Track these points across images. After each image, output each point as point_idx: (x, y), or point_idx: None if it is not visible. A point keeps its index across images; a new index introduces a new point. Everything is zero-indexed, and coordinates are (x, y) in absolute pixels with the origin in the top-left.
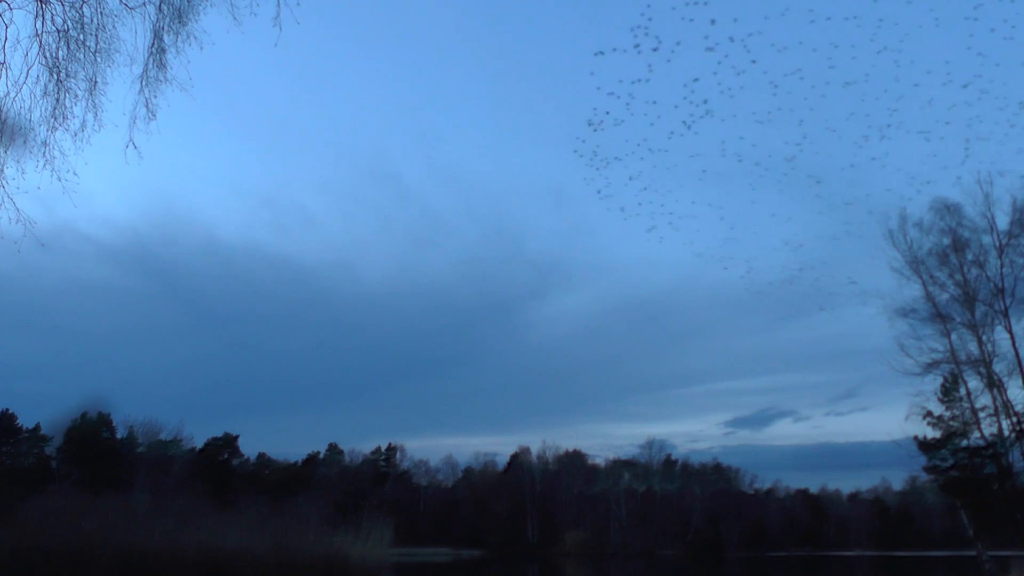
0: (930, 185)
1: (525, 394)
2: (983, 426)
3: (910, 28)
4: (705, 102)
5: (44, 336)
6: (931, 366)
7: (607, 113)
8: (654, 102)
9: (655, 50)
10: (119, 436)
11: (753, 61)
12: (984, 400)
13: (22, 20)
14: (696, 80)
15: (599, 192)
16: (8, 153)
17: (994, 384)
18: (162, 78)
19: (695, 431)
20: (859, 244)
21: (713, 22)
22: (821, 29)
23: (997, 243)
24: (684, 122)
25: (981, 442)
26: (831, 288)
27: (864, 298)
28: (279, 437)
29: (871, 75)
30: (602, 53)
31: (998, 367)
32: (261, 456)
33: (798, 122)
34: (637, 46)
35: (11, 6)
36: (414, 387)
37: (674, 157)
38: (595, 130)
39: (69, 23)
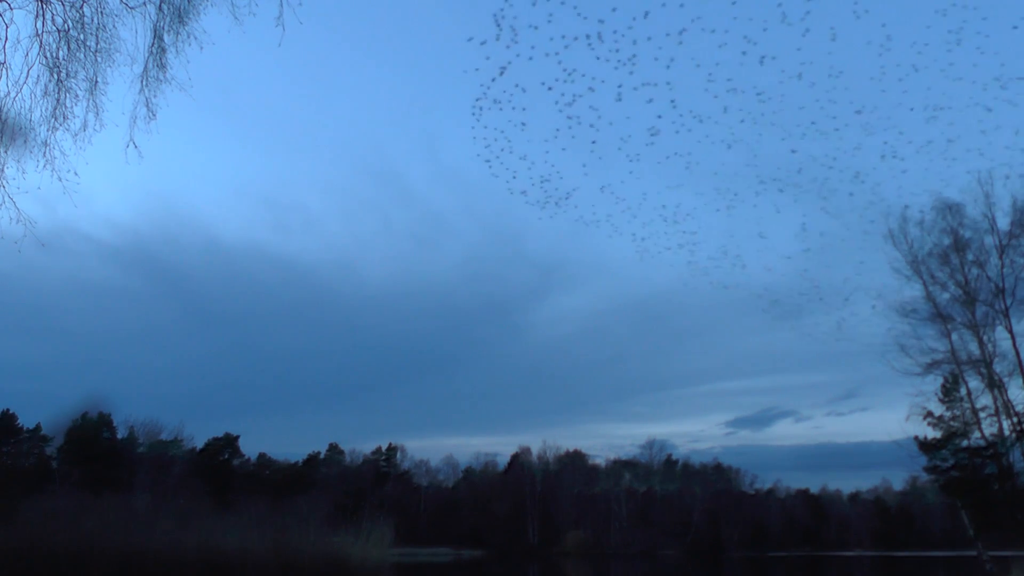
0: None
1: (526, 394)
2: (984, 426)
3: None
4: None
5: (44, 336)
6: (932, 366)
7: (488, 89)
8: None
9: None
10: (120, 436)
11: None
12: (985, 400)
13: (22, 20)
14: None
15: (496, 176)
16: (9, 153)
17: (995, 384)
18: (162, 78)
19: (696, 431)
20: (860, 244)
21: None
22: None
23: (998, 243)
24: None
25: (982, 442)
26: (833, 289)
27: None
28: (280, 437)
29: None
30: (472, 39)
31: (999, 367)
32: (262, 456)
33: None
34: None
35: (11, 6)
36: (415, 387)
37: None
38: (478, 116)
39: (69, 23)
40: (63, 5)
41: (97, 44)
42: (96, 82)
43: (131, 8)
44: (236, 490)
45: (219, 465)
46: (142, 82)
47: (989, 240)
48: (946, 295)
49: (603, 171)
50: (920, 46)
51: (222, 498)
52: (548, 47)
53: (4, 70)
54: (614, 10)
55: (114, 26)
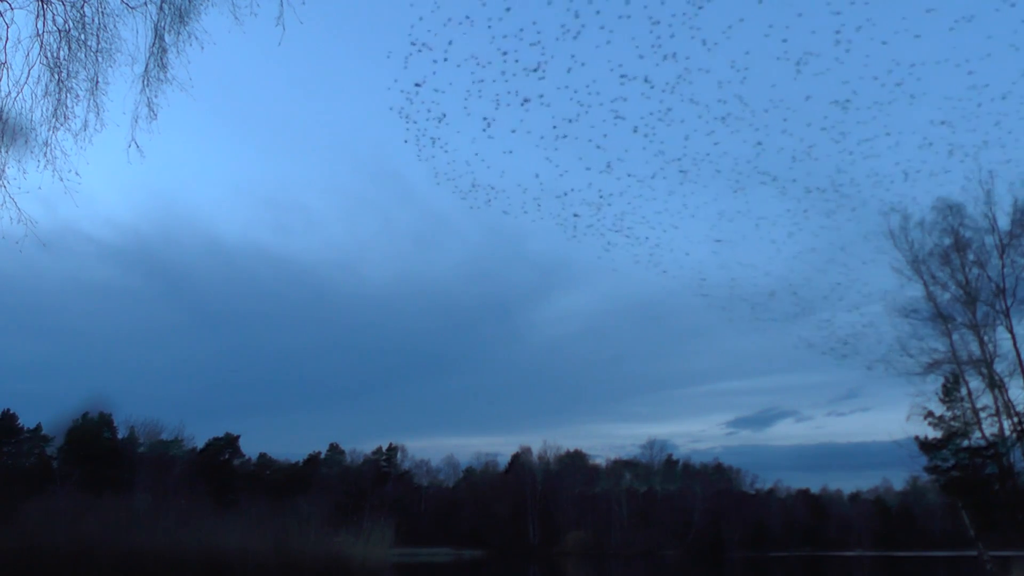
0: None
1: (526, 394)
2: (984, 426)
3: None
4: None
5: (45, 336)
6: (932, 366)
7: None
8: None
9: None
10: (120, 436)
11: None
12: (985, 400)
13: (23, 20)
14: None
15: (423, 160)
16: (10, 153)
17: (995, 384)
18: (163, 78)
19: (696, 431)
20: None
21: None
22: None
23: (998, 243)
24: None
25: (982, 442)
26: (832, 289)
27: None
28: (280, 437)
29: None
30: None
31: (999, 367)
32: (262, 456)
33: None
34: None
35: (12, 6)
36: (415, 387)
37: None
38: (407, 122)
39: (70, 23)
40: (64, 5)
41: (98, 44)
42: (97, 82)
43: (132, 8)
44: (237, 490)
45: (220, 465)
46: (143, 82)
47: (990, 240)
48: (947, 295)
49: (528, 161)
50: (813, 44)
51: (223, 498)
52: (460, 60)
53: (5, 70)
54: (521, 30)
55: (115, 26)
